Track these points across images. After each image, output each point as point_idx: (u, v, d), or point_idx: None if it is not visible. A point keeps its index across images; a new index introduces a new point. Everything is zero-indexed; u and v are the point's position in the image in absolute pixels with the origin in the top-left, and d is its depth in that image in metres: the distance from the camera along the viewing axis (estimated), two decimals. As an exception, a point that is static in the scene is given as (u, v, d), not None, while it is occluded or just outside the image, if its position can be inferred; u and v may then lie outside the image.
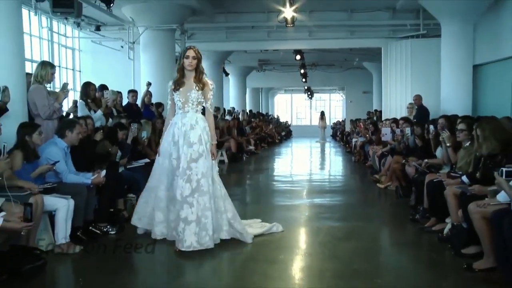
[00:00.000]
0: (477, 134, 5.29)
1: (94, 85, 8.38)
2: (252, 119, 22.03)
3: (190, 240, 5.29)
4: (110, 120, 8.20)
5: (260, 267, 4.96)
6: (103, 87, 8.68)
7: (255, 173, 12.99)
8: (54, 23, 13.61)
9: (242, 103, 25.62)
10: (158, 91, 11.68)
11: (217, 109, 16.72)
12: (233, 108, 21.76)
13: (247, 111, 24.56)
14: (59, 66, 13.90)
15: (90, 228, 5.91)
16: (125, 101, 10.20)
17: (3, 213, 4.26)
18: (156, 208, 5.72)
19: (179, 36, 13.96)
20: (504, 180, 3.93)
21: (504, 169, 3.96)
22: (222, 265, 5.22)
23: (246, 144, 17.45)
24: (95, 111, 7.88)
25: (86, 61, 15.47)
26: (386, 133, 11.04)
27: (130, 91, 10.50)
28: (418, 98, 12.38)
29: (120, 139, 7.56)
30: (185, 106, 5.69)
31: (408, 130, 9.03)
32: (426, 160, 7.43)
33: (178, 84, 5.76)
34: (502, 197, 4.45)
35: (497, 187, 4.25)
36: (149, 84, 11.25)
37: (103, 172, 6.08)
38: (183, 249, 5.26)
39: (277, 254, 5.15)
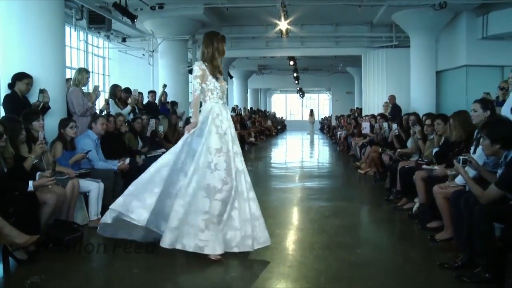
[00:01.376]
0: (449, 123, 5.26)
1: (120, 86, 8.51)
2: (253, 115, 22.05)
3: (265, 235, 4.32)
4: (132, 115, 8.30)
5: None
6: (128, 90, 8.77)
7: (255, 161, 13.00)
8: (89, 36, 13.70)
9: (244, 101, 25.63)
10: (172, 91, 11.78)
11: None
12: (237, 106, 21.74)
13: (248, 108, 24.60)
14: (92, 72, 13.98)
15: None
16: (145, 100, 10.27)
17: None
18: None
19: (191, 45, 13.96)
20: (461, 166, 4.01)
21: (461, 157, 4.03)
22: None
23: (248, 136, 17.50)
24: (121, 109, 8.00)
25: (114, 67, 15.52)
26: (365, 127, 11.12)
27: (149, 92, 10.55)
28: (392, 97, 12.48)
29: (137, 128, 7.62)
30: (224, 97, 4.42)
31: (385, 125, 9.11)
32: (398, 150, 7.51)
33: (219, 71, 4.40)
34: (459, 180, 4.52)
35: (456, 172, 4.33)
36: (164, 86, 11.37)
37: (127, 160, 6.16)
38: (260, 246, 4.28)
39: (274, 229, 5.16)
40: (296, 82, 27.05)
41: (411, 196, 6.14)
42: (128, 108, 8.18)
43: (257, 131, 20.42)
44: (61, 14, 6.58)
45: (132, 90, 8.63)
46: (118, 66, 15.46)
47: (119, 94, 8.35)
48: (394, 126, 8.37)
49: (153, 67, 13.87)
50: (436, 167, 5.22)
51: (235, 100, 24.81)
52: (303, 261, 4.29)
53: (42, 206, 4.48)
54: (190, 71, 20.71)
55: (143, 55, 14.08)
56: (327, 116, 34.26)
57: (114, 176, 5.90)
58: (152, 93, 10.49)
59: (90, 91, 7.34)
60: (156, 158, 7.58)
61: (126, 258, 4.33)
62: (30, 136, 5.00)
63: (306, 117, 34.33)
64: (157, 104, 10.76)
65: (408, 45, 12.91)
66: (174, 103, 11.61)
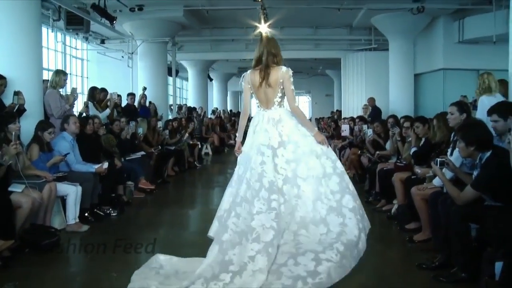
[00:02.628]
0: (433, 124, 5.28)
1: (99, 89, 8.43)
2: (233, 118, 21.96)
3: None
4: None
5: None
6: (103, 90, 8.68)
7: (235, 164, 12.78)
8: (67, 38, 13.47)
9: (224, 104, 25.58)
10: (151, 93, 11.68)
11: (201, 108, 16.75)
12: (216, 108, 21.63)
13: (228, 110, 24.54)
14: (70, 74, 13.73)
15: (95, 210, 5.90)
16: (124, 103, 10.18)
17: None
18: None
19: (171, 47, 13.88)
20: (438, 168, 4.07)
21: (438, 159, 4.09)
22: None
23: (228, 138, 17.44)
24: (100, 112, 7.91)
25: (93, 69, 15.25)
26: (345, 129, 11.15)
27: (128, 94, 10.44)
28: (372, 100, 12.55)
29: (116, 131, 7.56)
30: None
31: (365, 127, 9.14)
32: (377, 152, 7.56)
33: None
34: (437, 181, 4.57)
35: (433, 173, 4.39)
36: (144, 88, 11.28)
37: (106, 164, 6.09)
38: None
39: None
40: (276, 85, 27.06)
41: (390, 197, 6.17)
42: (107, 111, 8.07)
43: (236, 133, 20.31)
44: (38, 14, 6.45)
45: (110, 93, 8.50)
46: (96, 68, 15.23)
47: (98, 96, 8.27)
48: (369, 132, 8.41)
49: (132, 69, 13.72)
50: (418, 170, 5.25)
51: (215, 102, 24.73)
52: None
53: (17, 210, 4.40)
54: (209, 78, 20.46)
55: (122, 57, 13.91)
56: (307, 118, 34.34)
57: (94, 179, 5.82)
58: (131, 95, 10.40)
59: (68, 93, 7.23)
60: (135, 161, 7.71)
61: (104, 261, 4.28)
62: (6, 139, 4.90)
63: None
64: (136, 106, 10.68)
65: (387, 48, 13.08)
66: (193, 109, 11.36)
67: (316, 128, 4.11)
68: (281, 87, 3.98)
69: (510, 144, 3.25)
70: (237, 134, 4.32)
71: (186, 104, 17.36)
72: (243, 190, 3.83)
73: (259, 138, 3.99)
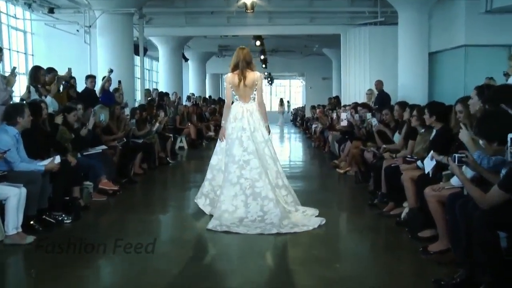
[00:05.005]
0: (453, 111, 5.22)
1: (44, 69, 8.13)
2: (212, 105, 21.85)
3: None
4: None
5: (218, 252, 5.04)
6: (51, 70, 8.40)
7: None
8: (2, 2, 13.02)
9: (202, 88, 25.44)
10: (115, 76, 11.42)
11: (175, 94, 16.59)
12: (193, 94, 21.51)
13: (207, 97, 24.41)
14: (10, 49, 13.41)
15: (44, 217, 5.77)
16: (81, 86, 9.97)
17: None
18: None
19: (137, 20, 13.67)
20: (456, 165, 4.01)
21: (456, 155, 4.02)
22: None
23: (206, 130, 17.37)
24: (45, 96, 7.65)
25: (39, 45, 14.91)
26: (344, 118, 11.10)
27: (88, 77, 10.27)
28: (379, 83, 12.45)
29: (71, 122, 7.41)
30: None
31: (369, 116, 9.09)
32: (384, 146, 7.52)
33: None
34: (455, 181, 4.52)
35: (451, 171, 4.33)
36: (111, 71, 11.00)
37: (57, 158, 5.93)
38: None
39: (236, 241, 5.18)
40: (264, 66, 27.00)
41: (399, 199, 6.16)
42: (49, 98, 7.74)
43: (217, 124, 20.25)
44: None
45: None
46: (44, 43, 14.85)
47: (42, 78, 7.99)
48: (374, 120, 8.40)
49: (90, 46, 13.47)
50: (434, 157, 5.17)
51: (191, 87, 24.62)
52: (271, 278, 4.28)
53: None
54: (184, 58, 20.55)
55: (77, 30, 13.64)
56: (300, 106, 34.48)
57: (42, 179, 5.66)
58: (92, 78, 10.22)
59: (7, 74, 7.00)
60: (94, 156, 7.58)
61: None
62: None
63: (276, 107, 34.49)
64: (98, 92, 10.52)
65: (395, 22, 12.98)
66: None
67: (268, 122, 6.59)
68: (255, 87, 6.42)
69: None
70: (222, 121, 6.63)
71: (156, 89, 17.18)
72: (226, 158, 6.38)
73: (241, 123, 6.34)
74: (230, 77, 6.44)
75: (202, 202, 6.58)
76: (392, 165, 6.46)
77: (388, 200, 6.52)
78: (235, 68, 6.41)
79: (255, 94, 6.46)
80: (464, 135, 4.38)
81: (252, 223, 5.80)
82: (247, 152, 6.22)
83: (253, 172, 6.13)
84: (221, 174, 6.43)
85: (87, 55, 13.55)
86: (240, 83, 6.34)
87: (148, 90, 15.46)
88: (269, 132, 6.53)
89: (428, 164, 5.08)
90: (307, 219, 6.02)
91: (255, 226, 5.72)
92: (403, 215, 5.90)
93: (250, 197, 6.01)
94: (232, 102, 6.60)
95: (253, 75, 6.39)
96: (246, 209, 5.96)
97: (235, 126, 6.36)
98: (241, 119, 6.36)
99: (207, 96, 24.38)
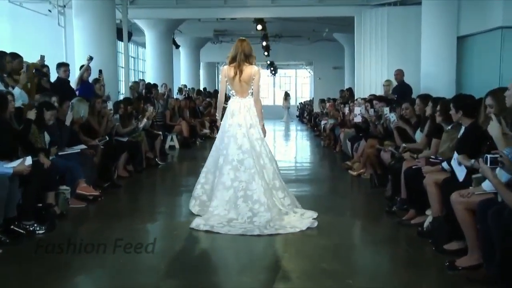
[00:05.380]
0: (485, 104, 5.17)
1: (8, 55, 8.04)
2: (207, 99, 21.86)
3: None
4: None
5: (215, 266, 5.06)
6: (15, 55, 8.30)
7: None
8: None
9: (196, 79, 25.50)
10: (95, 64, 11.37)
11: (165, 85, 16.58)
12: (185, 86, 21.55)
13: (201, 89, 24.42)
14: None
15: (12, 227, 5.76)
16: (53, 76, 9.93)
17: None
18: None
19: (120, 0, 13.68)
20: (488, 167, 3.96)
21: (489, 156, 3.98)
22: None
23: (201, 127, 17.36)
24: (13, 87, 7.58)
25: (4, 27, 14.56)
26: (358, 113, 11.05)
27: (61, 65, 10.16)
28: (399, 73, 12.38)
29: (47, 121, 7.37)
30: None
31: (386, 111, 9.07)
32: (404, 145, 7.49)
33: None
34: (487, 185, 4.49)
35: (482, 175, 4.28)
36: (90, 58, 10.95)
37: (28, 159, 5.90)
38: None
39: (237, 252, 5.21)
40: (266, 53, 26.98)
41: (421, 207, 6.16)
42: (17, 89, 7.67)
43: (213, 120, 20.26)
44: None
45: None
46: (8, 25, 14.53)
47: (9, 66, 7.92)
48: (392, 116, 8.36)
49: (65, 30, 13.43)
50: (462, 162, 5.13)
51: (183, 78, 24.69)
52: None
53: None
54: (175, 44, 20.66)
55: (50, 11, 13.55)
56: (307, 99, 34.50)
57: (9, 183, 5.63)
58: (65, 66, 10.15)
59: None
60: (72, 157, 7.56)
61: None
62: None
63: (280, 101, 34.54)
64: (76, 83, 10.53)
65: (419, 2, 12.92)
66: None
67: (263, 122, 7.05)
68: (252, 82, 6.82)
69: None
70: (217, 114, 7.42)
71: (143, 80, 17.13)
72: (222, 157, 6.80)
73: (237, 119, 6.81)
74: (226, 70, 6.89)
75: (192, 203, 7.05)
76: (413, 167, 6.45)
77: (408, 207, 6.52)
78: (232, 60, 6.81)
79: (252, 89, 6.89)
80: (494, 128, 4.29)
81: (241, 224, 6.22)
82: (242, 150, 6.66)
83: (247, 173, 6.54)
84: (215, 175, 6.88)
85: (61, 40, 13.48)
86: (235, 77, 6.78)
87: (136, 82, 15.39)
88: (264, 133, 7.00)
89: (459, 170, 4.99)
90: (299, 221, 6.39)
91: (240, 227, 6.16)
92: (426, 224, 5.88)
93: (240, 199, 6.44)
94: (229, 97, 7.07)
95: (250, 69, 6.80)
96: (236, 211, 6.41)
97: (232, 123, 6.80)
98: (237, 115, 6.83)
99: (201, 88, 24.42)
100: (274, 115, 30.66)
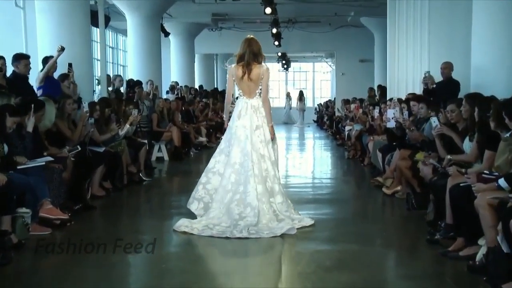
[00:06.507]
0: None
1: None
2: (203, 99, 21.92)
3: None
4: None
5: None
6: None
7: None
8: None
9: (189, 75, 25.56)
10: (67, 56, 11.38)
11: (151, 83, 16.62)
12: (176, 83, 21.57)
13: (196, 87, 24.47)
14: None
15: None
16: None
17: None
18: None
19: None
20: None
21: None
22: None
23: (195, 134, 17.37)
24: None
25: None
26: (391, 116, 11.01)
27: (20, 57, 10.14)
28: (447, 67, 12.18)
29: (8, 128, 7.37)
30: None
31: (435, 121, 8.96)
32: (449, 156, 7.45)
33: None
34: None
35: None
36: (62, 49, 10.96)
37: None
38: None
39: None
40: (277, 43, 27.02)
41: (472, 235, 6.13)
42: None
43: (210, 125, 20.28)
44: None
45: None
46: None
47: None
48: (435, 120, 8.28)
49: (25, 12, 13.46)
50: None
51: (174, 74, 24.76)
52: None
53: None
54: (164, 31, 20.92)
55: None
56: (327, 100, 34.49)
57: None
58: (25, 60, 10.15)
59: None
60: (34, 172, 7.54)
61: None
62: None
63: (293, 101, 34.55)
64: (40, 79, 10.53)
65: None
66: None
67: (272, 122, 8.19)
68: (261, 82, 7.94)
69: None
70: (224, 116, 8.86)
71: (120, 76, 16.91)
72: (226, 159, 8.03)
73: (244, 121, 7.93)
74: (233, 69, 8.04)
75: (195, 206, 8.13)
76: (461, 184, 6.40)
77: (455, 234, 6.49)
78: (240, 59, 7.92)
79: (260, 90, 8.04)
80: None
81: (226, 228, 7.39)
82: (243, 153, 7.82)
83: (244, 175, 7.69)
84: (217, 176, 8.05)
85: (20, 25, 13.50)
86: (243, 76, 7.89)
87: (113, 76, 15.42)
88: (274, 134, 8.19)
89: None
90: (279, 227, 7.44)
91: (223, 230, 7.37)
92: (478, 257, 5.84)
93: (234, 202, 7.61)
94: (236, 98, 8.29)
95: (259, 69, 7.92)
96: (228, 215, 7.57)
97: (239, 125, 7.94)
98: (244, 116, 7.95)
99: (196, 87, 24.44)
100: (287, 119, 30.72)
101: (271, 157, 8.02)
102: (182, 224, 7.53)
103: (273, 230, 7.31)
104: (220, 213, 7.66)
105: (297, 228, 7.49)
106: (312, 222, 7.83)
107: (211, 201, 7.93)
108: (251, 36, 8.08)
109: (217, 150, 8.35)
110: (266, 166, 7.90)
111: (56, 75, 10.95)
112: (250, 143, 7.83)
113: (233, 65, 8.16)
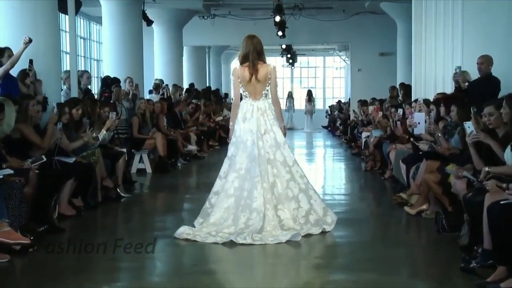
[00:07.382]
0: None
1: None
2: (194, 100, 21.94)
3: None
4: None
5: None
6: None
7: (197, 193, 12.84)
8: None
9: (177, 71, 25.58)
10: (32, 51, 11.36)
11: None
12: (161, 81, 21.58)
13: (186, 86, 24.49)
14: None
15: None
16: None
17: None
18: None
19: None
20: None
21: None
22: None
23: (184, 142, 17.37)
24: None
25: None
26: (418, 121, 11.01)
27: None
28: (486, 61, 12.16)
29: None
30: None
31: (469, 126, 8.95)
32: (487, 169, 7.43)
33: None
34: None
35: None
36: (29, 41, 10.95)
37: None
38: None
39: None
40: (280, 34, 27.04)
41: (515, 262, 6.11)
42: None
43: (202, 131, 20.29)
44: None
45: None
46: None
47: None
48: (469, 125, 8.25)
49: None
50: None
51: (158, 69, 24.88)
52: None
53: None
54: (146, 19, 21.11)
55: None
56: (341, 101, 34.55)
57: None
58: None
59: None
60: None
61: None
62: None
63: (301, 102, 34.59)
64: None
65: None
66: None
67: (283, 123, 9.19)
68: (269, 82, 8.81)
69: None
70: (230, 122, 9.40)
71: (87, 72, 16.88)
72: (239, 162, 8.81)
73: (250, 125, 8.74)
74: (239, 71, 8.84)
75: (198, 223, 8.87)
76: (502, 202, 6.40)
77: (495, 262, 6.44)
78: (244, 60, 8.77)
79: (267, 90, 8.91)
80: None
81: (229, 235, 8.18)
82: (250, 159, 8.62)
83: (251, 181, 8.48)
84: (220, 180, 8.92)
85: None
86: (251, 78, 8.73)
87: (84, 72, 15.40)
88: (284, 134, 9.06)
89: None
90: (284, 234, 8.28)
91: (226, 237, 8.18)
92: (522, 289, 5.81)
93: (239, 208, 8.45)
94: (241, 99, 9.02)
95: (266, 68, 8.80)
96: (233, 222, 8.43)
97: (243, 128, 8.78)
98: (249, 119, 8.78)
99: (185, 85, 24.45)
100: (293, 124, 30.75)
101: (284, 160, 8.78)
102: (184, 231, 8.29)
103: (278, 237, 8.11)
104: (222, 219, 8.50)
105: (318, 233, 8.50)
106: (336, 217, 8.94)
107: (210, 207, 8.77)
108: (253, 34, 8.84)
109: (226, 158, 9.01)
110: (278, 171, 8.69)
111: (14, 71, 10.91)
112: (257, 148, 8.58)
113: (237, 67, 8.94)
